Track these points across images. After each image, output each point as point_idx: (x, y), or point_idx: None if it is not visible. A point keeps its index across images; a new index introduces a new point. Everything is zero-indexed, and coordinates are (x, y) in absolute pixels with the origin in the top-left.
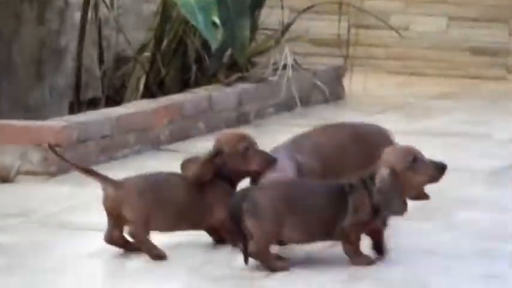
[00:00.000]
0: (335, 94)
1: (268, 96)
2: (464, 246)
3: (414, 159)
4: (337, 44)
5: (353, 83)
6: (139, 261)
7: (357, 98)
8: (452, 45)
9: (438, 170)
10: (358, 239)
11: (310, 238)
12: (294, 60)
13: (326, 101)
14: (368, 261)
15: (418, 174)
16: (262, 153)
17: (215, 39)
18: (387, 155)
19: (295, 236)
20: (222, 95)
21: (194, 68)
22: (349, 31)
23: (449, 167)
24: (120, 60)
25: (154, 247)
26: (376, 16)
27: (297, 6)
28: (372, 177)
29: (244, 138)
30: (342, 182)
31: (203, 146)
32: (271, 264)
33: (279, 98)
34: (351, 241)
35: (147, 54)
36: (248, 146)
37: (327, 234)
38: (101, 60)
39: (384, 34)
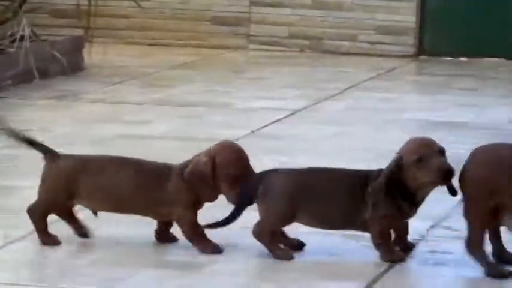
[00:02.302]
0: (75, 65)
1: (5, 68)
2: None
3: (420, 158)
4: (77, 15)
5: (93, 54)
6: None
7: (97, 69)
8: (193, 15)
9: (441, 174)
10: (384, 233)
11: (329, 225)
12: (32, 31)
13: (65, 72)
14: (395, 258)
15: (421, 174)
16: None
17: None
18: (406, 143)
19: (312, 222)
20: None
21: None
22: (89, 2)
23: (188, 137)
24: None
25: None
26: None
27: None
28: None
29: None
30: (367, 171)
31: None
32: (273, 249)
33: (16, 69)
34: (375, 235)
35: None
36: (237, 173)
37: (347, 224)
38: None
39: (124, 4)
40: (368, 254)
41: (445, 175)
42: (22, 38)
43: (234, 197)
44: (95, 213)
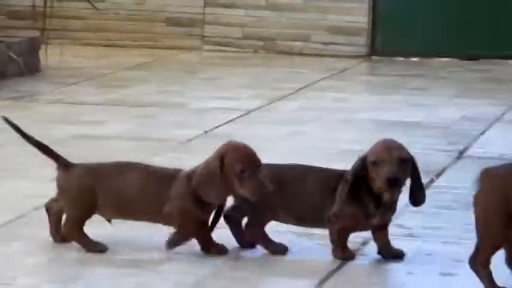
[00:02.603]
0: (31, 67)
1: None
2: None
3: (375, 161)
4: (33, 16)
5: (50, 55)
6: None
7: (53, 70)
8: (147, 16)
9: (386, 182)
10: (342, 231)
11: (303, 222)
12: None
13: (22, 73)
14: (346, 256)
15: (375, 176)
16: (257, 181)
17: None
18: (374, 144)
19: (288, 218)
20: None
21: None
22: (45, 3)
23: (143, 136)
24: None
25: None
26: None
27: None
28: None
29: (248, 158)
30: (342, 171)
31: None
32: (268, 245)
33: None
34: (333, 232)
35: None
36: (244, 169)
37: (317, 221)
38: None
39: (80, 6)
40: (322, 252)
41: (389, 184)
42: None
43: (248, 192)
44: (109, 221)
